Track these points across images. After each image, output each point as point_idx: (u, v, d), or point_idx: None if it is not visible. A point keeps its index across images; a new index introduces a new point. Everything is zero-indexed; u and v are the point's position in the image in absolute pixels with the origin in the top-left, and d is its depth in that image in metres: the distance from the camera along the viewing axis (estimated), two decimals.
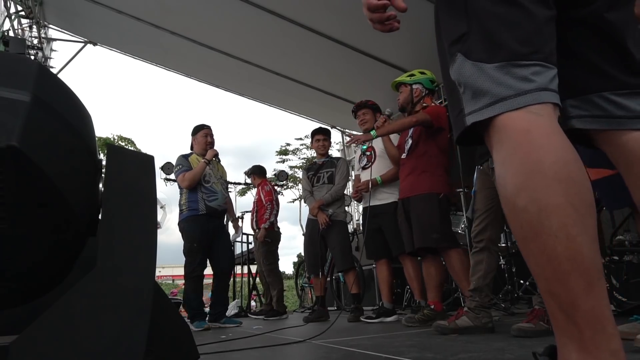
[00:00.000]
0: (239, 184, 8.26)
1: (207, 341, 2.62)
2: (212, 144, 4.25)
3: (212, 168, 4.20)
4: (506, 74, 0.76)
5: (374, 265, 5.56)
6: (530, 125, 0.73)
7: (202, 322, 3.85)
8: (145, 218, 0.92)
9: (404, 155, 3.26)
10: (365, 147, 3.78)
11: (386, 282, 3.68)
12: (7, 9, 5.06)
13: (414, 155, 3.14)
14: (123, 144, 16.57)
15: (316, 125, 6.89)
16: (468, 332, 2.16)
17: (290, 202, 16.71)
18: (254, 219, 5.39)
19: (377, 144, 3.68)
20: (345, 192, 4.42)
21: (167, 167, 6.06)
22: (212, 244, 4.03)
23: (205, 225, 3.98)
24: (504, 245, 3.95)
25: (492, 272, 2.31)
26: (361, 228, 3.98)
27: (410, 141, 3.21)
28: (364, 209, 3.81)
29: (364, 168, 3.79)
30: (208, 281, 4.34)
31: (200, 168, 4.04)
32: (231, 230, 4.79)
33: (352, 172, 8.98)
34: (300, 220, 9.19)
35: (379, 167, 3.66)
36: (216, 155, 4.23)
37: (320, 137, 4.42)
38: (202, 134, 4.26)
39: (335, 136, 8.72)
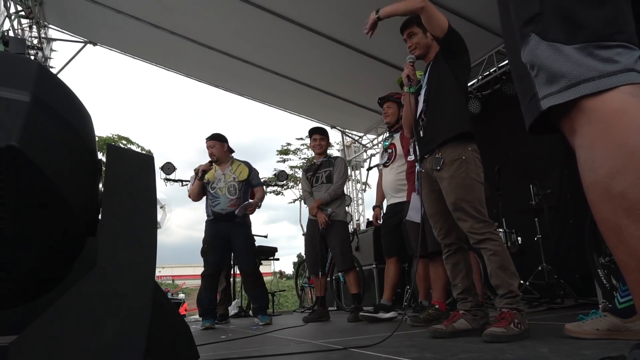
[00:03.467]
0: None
1: (207, 341, 2.62)
2: (213, 155, 4.42)
3: (226, 172, 4.37)
4: (587, 55, 0.72)
5: (373, 266, 5.57)
6: (627, 105, 0.68)
7: (207, 321, 3.98)
8: (145, 218, 0.92)
9: (411, 157, 3.24)
10: (387, 143, 3.76)
11: (391, 281, 3.64)
12: (7, 9, 5.05)
13: None
14: (123, 142, 16.54)
15: (316, 125, 6.89)
16: (466, 335, 2.14)
17: (291, 202, 16.69)
18: None
19: (399, 141, 3.66)
20: (345, 191, 4.42)
21: (167, 167, 6.06)
22: (232, 245, 4.23)
23: (214, 228, 4.20)
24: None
25: (471, 269, 2.29)
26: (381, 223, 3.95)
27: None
28: (387, 206, 3.80)
29: (385, 165, 3.78)
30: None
31: (195, 185, 4.41)
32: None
33: (356, 172, 9.07)
34: (300, 220, 9.20)
35: (398, 166, 3.64)
36: (206, 170, 4.40)
37: (317, 136, 4.42)
38: (207, 146, 4.50)
39: (335, 136, 8.73)
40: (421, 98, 2.45)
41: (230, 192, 4.31)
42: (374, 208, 4.21)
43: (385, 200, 3.87)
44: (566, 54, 0.74)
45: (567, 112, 0.75)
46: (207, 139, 4.47)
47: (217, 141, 4.42)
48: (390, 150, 3.72)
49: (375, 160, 7.97)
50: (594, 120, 0.71)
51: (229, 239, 4.17)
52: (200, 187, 4.35)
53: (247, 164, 4.50)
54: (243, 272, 4.30)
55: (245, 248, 4.22)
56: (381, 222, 3.92)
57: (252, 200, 4.32)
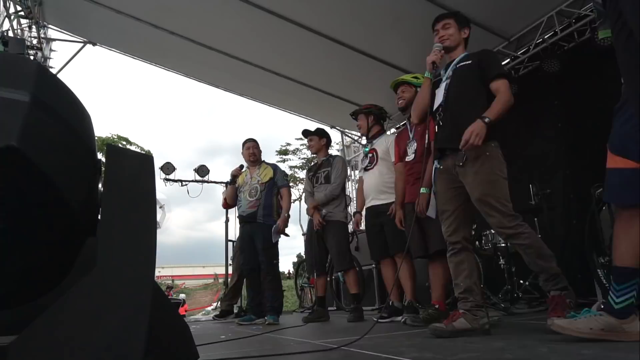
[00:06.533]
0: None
1: (207, 341, 2.62)
2: (254, 155, 4.56)
3: (253, 175, 4.53)
4: None
5: (373, 266, 5.57)
6: None
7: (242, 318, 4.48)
8: (145, 218, 0.91)
9: (409, 158, 3.25)
10: (367, 148, 3.81)
11: (393, 282, 3.61)
12: (7, 9, 5.05)
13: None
14: (123, 143, 16.49)
15: (316, 125, 6.88)
16: (466, 335, 2.14)
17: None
18: None
19: (379, 146, 3.72)
20: (345, 191, 4.43)
21: (167, 167, 6.05)
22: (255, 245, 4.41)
23: (241, 231, 4.57)
24: (503, 245, 3.95)
25: (474, 269, 2.29)
26: (364, 228, 3.97)
27: (415, 143, 3.22)
28: (367, 209, 3.81)
29: (365, 169, 3.80)
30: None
31: (229, 190, 4.77)
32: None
33: (356, 171, 9.06)
34: (300, 220, 9.19)
35: (381, 169, 3.67)
36: (236, 174, 4.68)
37: (308, 138, 4.48)
38: (245, 148, 4.65)
39: (335, 136, 8.72)
40: (440, 92, 2.43)
41: (251, 194, 4.42)
42: (354, 214, 4.22)
43: (365, 204, 3.88)
44: None
45: None
46: (247, 140, 4.66)
47: (257, 143, 4.66)
48: (371, 155, 3.78)
49: None
50: None
51: (253, 239, 4.31)
52: (234, 191, 4.63)
53: (274, 166, 4.63)
54: (261, 271, 4.38)
55: (263, 248, 4.26)
56: (363, 227, 3.94)
57: (278, 222, 4.31)
